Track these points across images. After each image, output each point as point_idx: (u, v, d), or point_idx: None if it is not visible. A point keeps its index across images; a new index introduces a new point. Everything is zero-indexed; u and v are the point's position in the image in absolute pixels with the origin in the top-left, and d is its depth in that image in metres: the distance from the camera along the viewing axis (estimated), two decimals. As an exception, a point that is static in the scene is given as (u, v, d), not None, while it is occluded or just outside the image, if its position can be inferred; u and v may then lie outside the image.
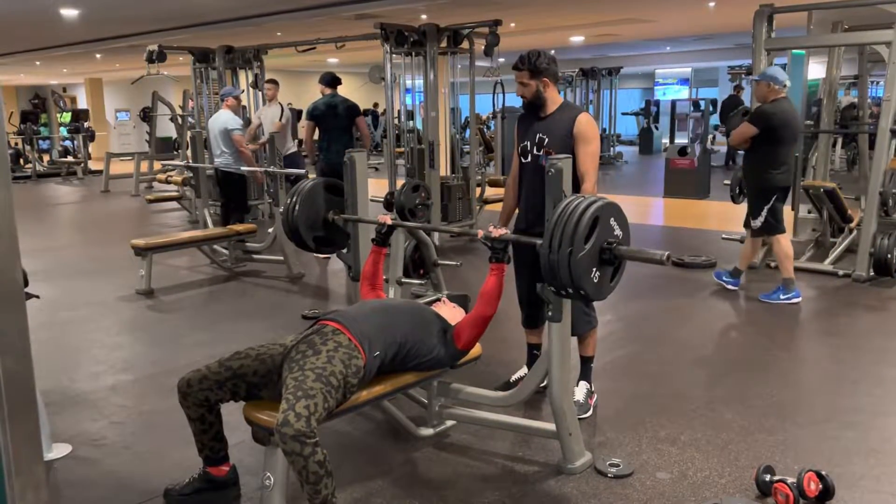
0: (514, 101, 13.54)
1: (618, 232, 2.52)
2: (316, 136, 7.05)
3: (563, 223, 2.43)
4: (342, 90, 7.04)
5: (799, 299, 5.19)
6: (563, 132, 3.27)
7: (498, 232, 2.82)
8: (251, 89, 9.51)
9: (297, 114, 11.52)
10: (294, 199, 3.38)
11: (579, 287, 2.43)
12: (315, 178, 3.66)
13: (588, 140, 3.26)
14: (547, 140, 3.29)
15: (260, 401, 2.51)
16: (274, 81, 8.25)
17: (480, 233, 2.89)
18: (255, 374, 2.51)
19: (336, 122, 6.82)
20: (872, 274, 5.60)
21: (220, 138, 6.89)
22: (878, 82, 13.30)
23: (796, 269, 6.00)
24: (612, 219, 2.50)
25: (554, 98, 3.34)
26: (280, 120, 7.87)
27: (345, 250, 3.66)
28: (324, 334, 2.51)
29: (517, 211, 3.52)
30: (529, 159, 3.36)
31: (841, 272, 5.78)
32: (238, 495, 2.69)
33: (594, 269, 2.46)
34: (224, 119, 6.88)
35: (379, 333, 2.59)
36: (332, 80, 6.90)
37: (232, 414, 2.66)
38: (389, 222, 3.27)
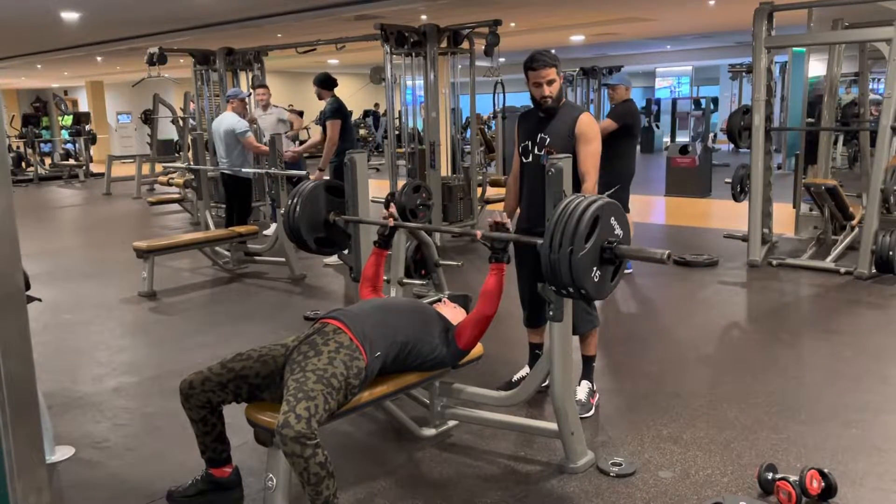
0: (515, 100, 13.49)
1: (618, 231, 2.51)
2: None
3: (563, 222, 2.43)
4: (343, 90, 7.06)
5: (630, 270, 5.91)
6: (564, 132, 3.26)
7: (503, 219, 2.83)
8: (252, 91, 9.52)
9: (297, 115, 11.53)
10: (295, 201, 3.38)
11: (580, 286, 2.43)
12: (316, 179, 3.67)
13: (589, 140, 3.26)
14: (548, 140, 3.28)
15: (262, 402, 2.52)
16: (265, 86, 8.23)
17: (479, 233, 2.89)
18: (257, 375, 2.51)
19: (351, 122, 6.96)
20: (874, 271, 5.59)
21: (224, 141, 6.85)
22: (878, 79, 13.27)
23: (799, 267, 6.03)
24: (613, 218, 2.50)
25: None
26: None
27: (346, 251, 3.66)
28: (325, 334, 2.51)
29: (518, 210, 3.51)
30: (531, 159, 3.36)
31: (843, 270, 5.78)
32: (241, 497, 2.70)
33: (595, 269, 2.46)
34: (230, 122, 6.85)
35: (380, 334, 2.59)
36: (331, 81, 6.88)
37: (234, 415, 2.66)
38: (392, 222, 3.25)
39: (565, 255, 2.39)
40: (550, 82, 3.24)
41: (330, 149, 6.84)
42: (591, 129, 3.27)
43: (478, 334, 2.83)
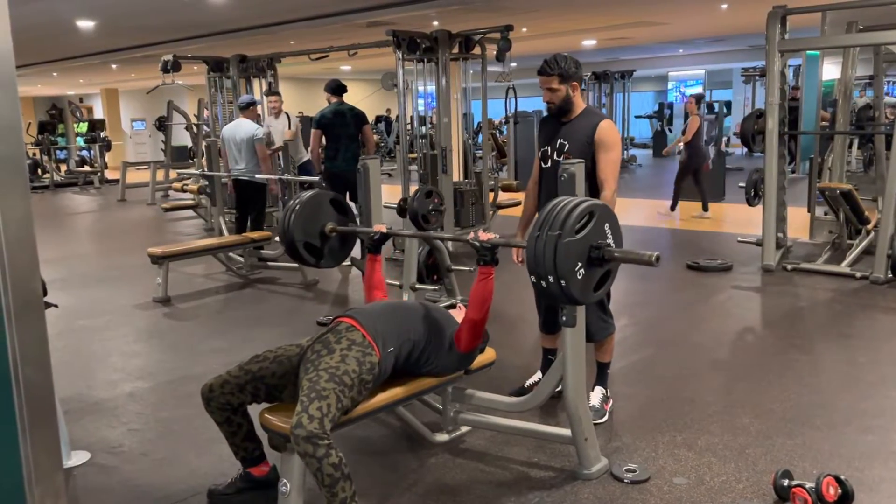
0: (526, 105, 13.42)
1: (609, 239, 2.45)
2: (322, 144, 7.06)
3: (556, 210, 2.38)
4: (354, 96, 7.05)
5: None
6: (583, 138, 3.24)
7: (485, 236, 2.77)
8: (265, 98, 9.56)
9: (308, 121, 11.58)
10: (294, 204, 3.27)
11: (561, 277, 2.33)
12: (324, 188, 3.64)
13: (609, 147, 3.23)
14: (567, 146, 3.26)
15: (276, 406, 2.54)
16: (277, 93, 8.27)
17: (472, 235, 2.88)
18: (273, 375, 2.55)
19: (344, 130, 6.75)
20: (890, 276, 5.55)
21: (243, 147, 6.85)
22: (893, 82, 13.18)
23: (813, 272, 5.99)
24: (607, 224, 2.44)
25: (578, 103, 3.30)
26: (290, 128, 7.91)
27: (360, 257, 3.65)
28: (338, 332, 2.54)
29: (537, 215, 3.49)
30: (550, 164, 3.34)
31: (858, 274, 5.73)
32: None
33: (580, 264, 2.37)
34: (248, 128, 6.86)
35: (393, 330, 2.60)
36: (337, 88, 6.84)
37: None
38: (384, 230, 3.13)
39: (552, 237, 2.32)
40: (552, 90, 3.24)
41: (312, 157, 7.27)
42: (610, 136, 3.24)
43: (472, 338, 2.77)
